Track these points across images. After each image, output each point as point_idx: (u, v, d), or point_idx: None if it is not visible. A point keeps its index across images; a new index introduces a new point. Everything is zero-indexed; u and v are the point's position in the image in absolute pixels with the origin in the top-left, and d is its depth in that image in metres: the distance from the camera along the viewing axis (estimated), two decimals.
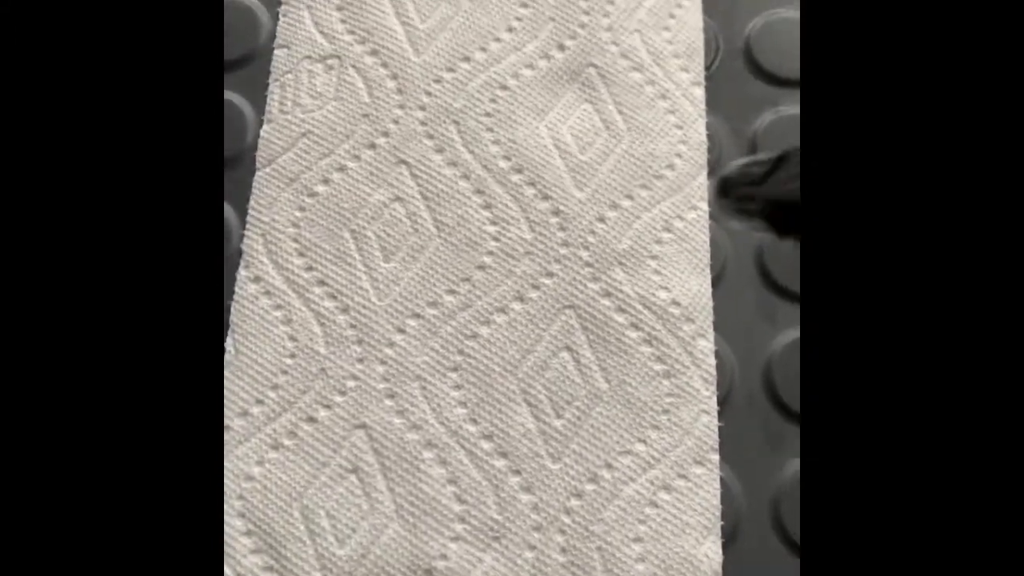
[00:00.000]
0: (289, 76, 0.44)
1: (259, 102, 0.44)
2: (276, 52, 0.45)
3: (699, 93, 0.43)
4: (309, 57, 0.44)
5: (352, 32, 0.44)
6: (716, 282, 0.41)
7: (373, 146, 0.42)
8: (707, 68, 0.44)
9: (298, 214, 0.41)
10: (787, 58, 0.44)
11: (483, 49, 0.43)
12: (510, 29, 0.44)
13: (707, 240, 0.41)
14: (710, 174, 0.42)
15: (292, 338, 0.40)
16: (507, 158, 0.42)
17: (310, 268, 0.41)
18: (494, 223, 0.41)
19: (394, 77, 0.43)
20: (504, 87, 0.43)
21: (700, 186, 0.41)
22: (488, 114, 0.42)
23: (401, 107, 0.43)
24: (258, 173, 0.42)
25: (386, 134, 0.42)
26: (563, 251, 0.40)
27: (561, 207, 0.41)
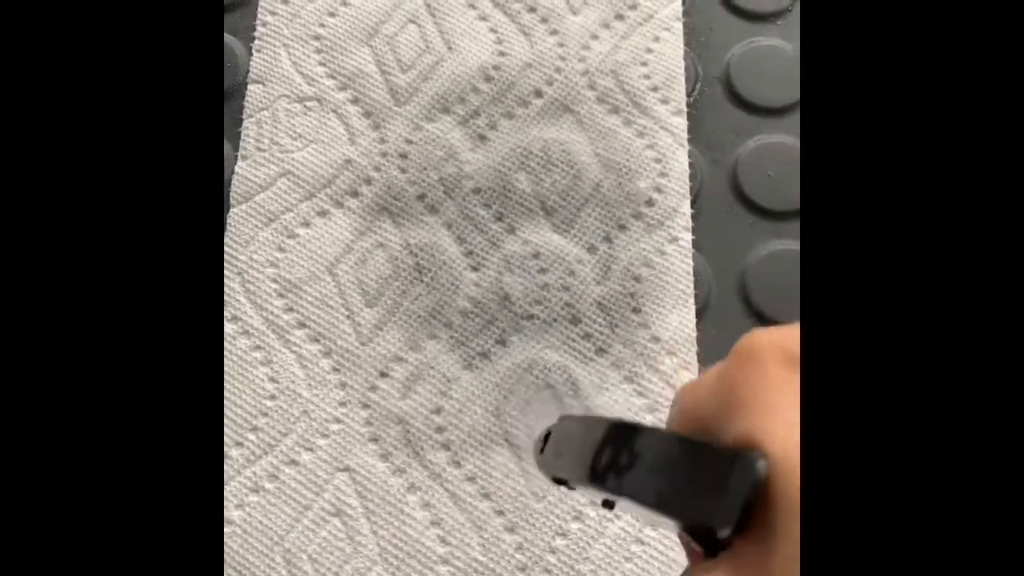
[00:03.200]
0: (265, 113, 0.44)
1: (237, 139, 0.44)
2: (250, 87, 0.45)
3: (680, 122, 0.43)
4: (286, 96, 0.45)
5: (332, 76, 0.45)
6: (700, 314, 0.40)
7: (356, 193, 0.42)
8: (687, 96, 0.44)
9: (278, 255, 0.41)
10: (767, 86, 0.45)
11: (462, 100, 0.44)
12: (488, 79, 0.44)
13: (690, 271, 0.41)
14: (692, 202, 0.42)
15: (272, 380, 0.39)
16: (487, 206, 0.42)
17: (290, 309, 0.41)
18: (475, 269, 0.41)
19: (376, 127, 0.44)
20: (483, 137, 0.43)
21: (683, 216, 0.42)
22: (468, 161, 0.43)
23: (383, 155, 0.43)
24: (233, 210, 0.42)
25: (368, 182, 0.43)
26: (544, 293, 0.40)
27: (542, 251, 0.41)
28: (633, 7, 0.45)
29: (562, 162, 0.43)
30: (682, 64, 0.45)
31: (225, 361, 0.40)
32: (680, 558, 0.36)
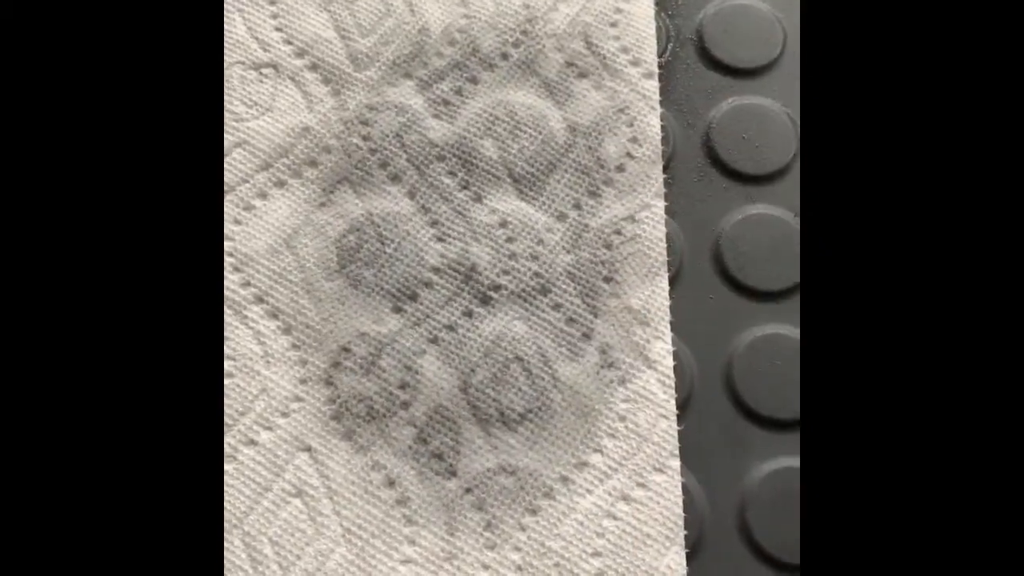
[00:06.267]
0: None
1: None
2: None
3: (651, 85, 0.42)
4: (241, 63, 0.43)
5: (289, 42, 0.43)
6: (673, 282, 0.39)
7: (315, 163, 0.41)
8: (659, 58, 0.43)
9: (234, 227, 0.40)
10: (741, 46, 0.43)
11: (425, 65, 0.42)
12: (452, 42, 0.43)
13: (662, 238, 0.39)
14: (665, 167, 0.41)
15: (229, 357, 0.38)
16: (452, 174, 0.41)
17: (247, 284, 0.39)
18: (440, 240, 0.39)
19: (336, 94, 0.42)
20: (447, 102, 0.42)
21: (655, 182, 0.40)
22: (432, 128, 0.41)
23: (343, 123, 0.42)
24: None
25: (328, 151, 0.41)
26: (512, 263, 0.39)
27: (509, 219, 0.40)
28: None
29: (530, 127, 0.41)
30: (653, 25, 0.43)
31: None
32: (654, 532, 0.35)
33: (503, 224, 0.40)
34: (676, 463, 0.36)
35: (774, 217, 0.40)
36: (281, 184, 0.41)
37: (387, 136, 0.41)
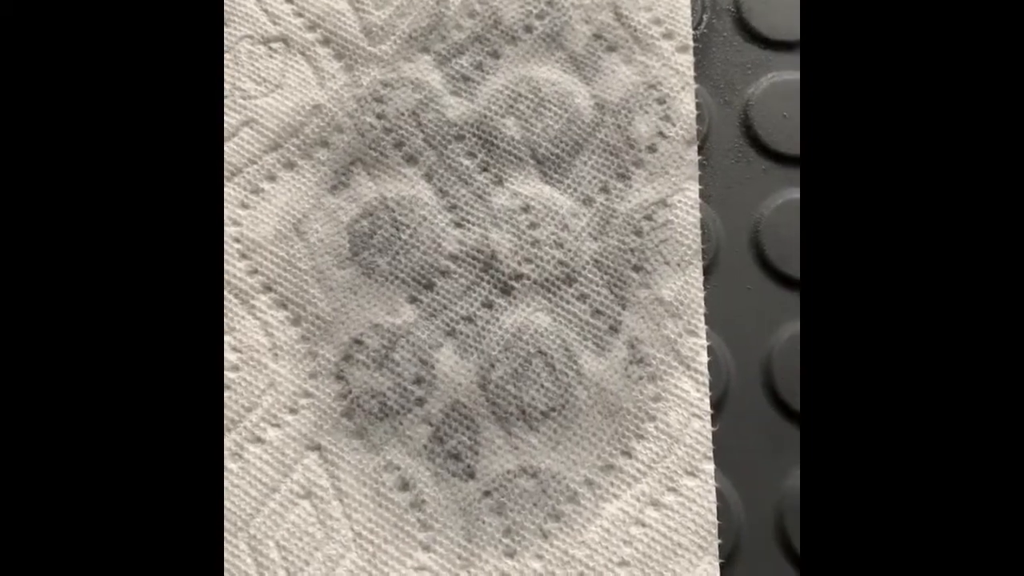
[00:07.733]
0: (227, 56, 0.41)
1: None
2: None
3: (685, 59, 0.40)
4: (250, 37, 0.41)
5: (300, 15, 0.41)
6: (708, 271, 0.37)
7: (326, 143, 0.39)
8: (693, 30, 0.41)
9: (240, 212, 0.38)
10: (782, 17, 0.41)
11: (443, 38, 0.40)
12: (472, 14, 0.41)
13: (697, 224, 0.37)
14: (699, 148, 0.39)
15: (235, 349, 0.36)
16: (472, 155, 0.38)
17: (254, 272, 0.37)
18: (459, 225, 0.37)
19: (349, 70, 0.40)
20: (467, 78, 0.40)
21: (689, 163, 0.38)
22: (451, 106, 0.39)
23: (356, 100, 0.39)
24: None
25: (340, 130, 0.39)
26: (534, 250, 0.37)
27: (532, 204, 0.37)
28: None
29: (555, 105, 0.39)
30: None
31: None
32: (685, 540, 0.33)
33: (525, 209, 0.38)
34: (710, 466, 0.34)
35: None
36: (291, 166, 0.39)
37: (403, 114, 0.39)
